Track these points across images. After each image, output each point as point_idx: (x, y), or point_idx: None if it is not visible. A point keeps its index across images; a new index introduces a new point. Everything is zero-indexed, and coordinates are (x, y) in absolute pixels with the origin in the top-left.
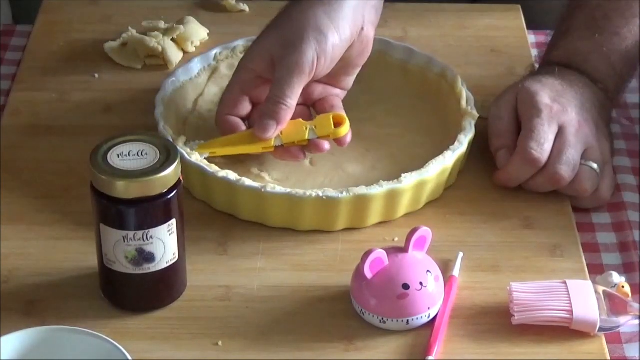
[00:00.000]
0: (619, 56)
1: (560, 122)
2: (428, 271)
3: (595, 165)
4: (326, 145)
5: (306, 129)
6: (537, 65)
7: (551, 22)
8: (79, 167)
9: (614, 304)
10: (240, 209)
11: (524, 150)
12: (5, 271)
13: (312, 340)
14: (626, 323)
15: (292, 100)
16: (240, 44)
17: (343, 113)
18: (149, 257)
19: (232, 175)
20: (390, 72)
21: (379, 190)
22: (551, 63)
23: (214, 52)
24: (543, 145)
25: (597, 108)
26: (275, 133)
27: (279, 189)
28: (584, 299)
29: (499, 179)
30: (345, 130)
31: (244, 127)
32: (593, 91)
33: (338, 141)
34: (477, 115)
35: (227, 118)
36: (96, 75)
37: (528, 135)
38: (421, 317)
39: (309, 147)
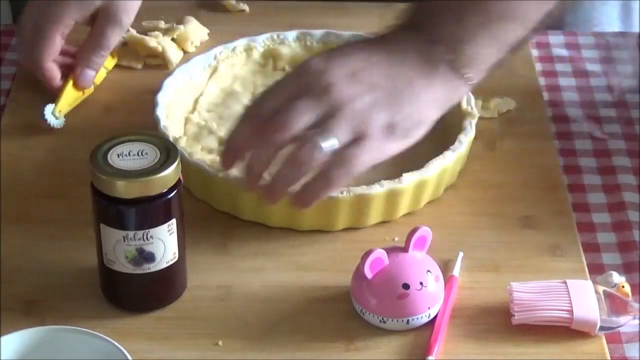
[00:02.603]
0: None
1: (302, 82)
2: (428, 271)
3: (320, 138)
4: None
5: None
6: None
7: (582, 23)
8: (79, 167)
9: (614, 304)
10: (241, 209)
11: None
12: (5, 271)
13: (312, 340)
14: (626, 323)
15: (109, 50)
16: (240, 44)
17: None
18: (149, 257)
19: (232, 175)
20: None
21: (379, 190)
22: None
23: (214, 52)
24: (265, 100)
25: (399, 73)
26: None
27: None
28: (584, 299)
29: None
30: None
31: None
32: (421, 56)
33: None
34: (477, 115)
35: (52, 65)
36: None
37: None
38: (421, 317)
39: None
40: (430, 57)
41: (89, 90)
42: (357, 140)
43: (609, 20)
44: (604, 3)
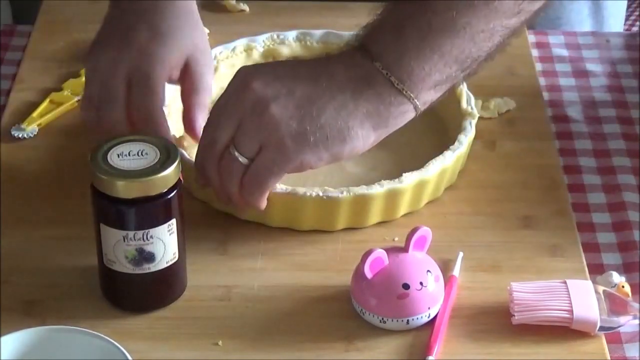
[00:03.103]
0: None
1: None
2: (428, 271)
3: (236, 154)
4: None
5: None
6: None
7: (551, 21)
8: (79, 167)
9: (614, 304)
10: (240, 209)
11: None
12: (5, 271)
13: (312, 340)
14: (626, 323)
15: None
16: (240, 44)
17: None
18: (149, 257)
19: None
20: None
21: (379, 190)
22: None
23: (214, 52)
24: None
25: (327, 86)
26: None
27: (279, 188)
28: (584, 299)
29: None
30: None
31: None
32: (357, 72)
33: None
34: (477, 115)
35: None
36: None
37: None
38: (421, 317)
39: None
40: (366, 73)
41: (70, 105)
42: (261, 149)
43: (579, 19)
44: (573, 2)
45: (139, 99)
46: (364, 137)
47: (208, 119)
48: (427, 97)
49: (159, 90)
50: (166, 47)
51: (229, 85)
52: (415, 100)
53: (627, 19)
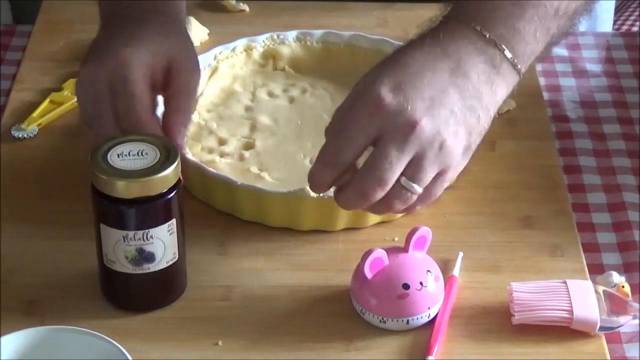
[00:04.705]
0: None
1: (383, 122)
2: (428, 271)
3: (415, 186)
4: None
5: None
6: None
7: None
8: (79, 167)
9: (614, 304)
10: (240, 209)
11: (321, 149)
12: (5, 271)
13: (312, 340)
14: (626, 323)
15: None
16: (240, 44)
17: None
18: (149, 257)
19: (232, 175)
20: None
21: None
22: (446, 18)
23: (214, 52)
24: (345, 148)
25: (474, 85)
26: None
27: (279, 189)
28: (584, 299)
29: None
30: None
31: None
32: (481, 59)
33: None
34: None
35: (151, 117)
36: None
37: (335, 129)
38: (421, 317)
39: None
40: (494, 59)
41: (70, 105)
42: (439, 174)
43: None
44: None
45: (122, 105)
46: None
47: (346, 147)
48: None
49: (139, 92)
50: (142, 51)
51: (369, 108)
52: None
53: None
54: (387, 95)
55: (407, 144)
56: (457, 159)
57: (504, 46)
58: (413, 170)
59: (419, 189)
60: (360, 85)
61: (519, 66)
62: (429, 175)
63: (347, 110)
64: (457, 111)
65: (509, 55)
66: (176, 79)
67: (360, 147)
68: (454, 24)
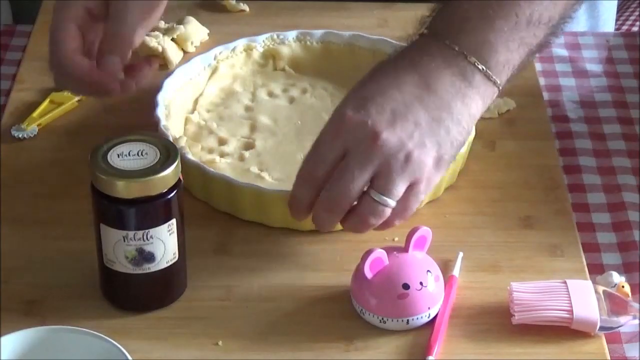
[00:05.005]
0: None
1: (347, 137)
2: (428, 271)
3: (385, 199)
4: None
5: None
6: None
7: None
8: (79, 167)
9: (614, 304)
10: (240, 209)
11: (301, 165)
12: (5, 271)
13: (312, 340)
14: (626, 323)
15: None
16: (240, 44)
17: None
18: (149, 257)
19: (232, 175)
20: None
21: None
22: (420, 35)
23: (214, 52)
24: (315, 165)
25: (442, 98)
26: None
27: (279, 189)
28: (584, 299)
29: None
30: None
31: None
32: (449, 72)
33: None
34: None
35: (78, 57)
36: None
37: (311, 148)
38: (421, 317)
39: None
40: (464, 72)
41: (70, 105)
42: (411, 186)
43: (575, 19)
44: None
45: (50, 50)
46: (470, 131)
47: (318, 165)
48: (504, 83)
49: (61, 37)
50: None
51: (336, 127)
52: (500, 88)
53: (619, 18)
54: (349, 112)
55: (370, 156)
56: (428, 170)
57: (474, 58)
58: (381, 182)
59: (391, 202)
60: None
61: (494, 77)
62: (398, 187)
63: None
64: (423, 123)
65: (480, 66)
66: (111, 5)
67: (329, 163)
68: (425, 39)
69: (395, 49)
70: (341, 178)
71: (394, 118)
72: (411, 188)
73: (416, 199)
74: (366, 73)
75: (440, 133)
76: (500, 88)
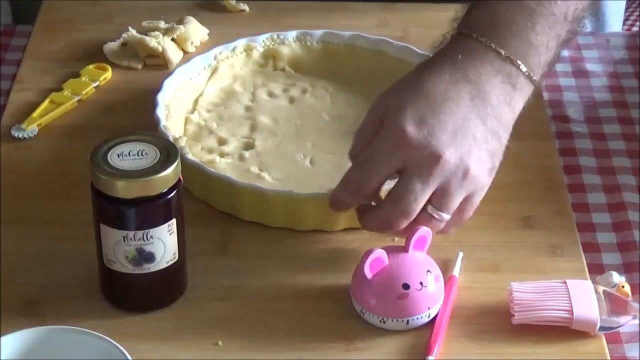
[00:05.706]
0: (547, 25)
1: (408, 155)
2: (428, 271)
3: (442, 215)
4: None
5: None
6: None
7: None
8: (79, 167)
9: (614, 304)
10: (240, 209)
11: (345, 174)
12: (5, 271)
13: (312, 341)
14: (626, 323)
15: None
16: (240, 44)
17: None
18: (149, 257)
19: (232, 175)
20: (390, 72)
21: None
22: (460, 35)
23: (214, 52)
24: (370, 178)
25: (494, 107)
26: None
27: (279, 189)
28: (584, 299)
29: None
30: None
31: None
32: (499, 79)
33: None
34: None
35: None
36: None
37: (361, 158)
38: (421, 317)
39: None
40: (510, 76)
41: (70, 105)
42: (467, 197)
43: None
44: None
45: None
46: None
47: (371, 177)
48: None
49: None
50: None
51: (393, 142)
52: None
53: (627, 19)
54: (411, 128)
55: (432, 177)
56: (483, 181)
57: (519, 62)
58: (439, 199)
59: (446, 216)
60: (379, 107)
61: (534, 77)
62: (455, 202)
63: (371, 137)
64: (479, 137)
65: (524, 69)
66: None
67: (384, 178)
68: (469, 42)
69: (437, 46)
70: (404, 199)
71: (455, 136)
72: (467, 200)
73: (471, 207)
74: (410, 75)
75: (494, 144)
76: (535, 85)
